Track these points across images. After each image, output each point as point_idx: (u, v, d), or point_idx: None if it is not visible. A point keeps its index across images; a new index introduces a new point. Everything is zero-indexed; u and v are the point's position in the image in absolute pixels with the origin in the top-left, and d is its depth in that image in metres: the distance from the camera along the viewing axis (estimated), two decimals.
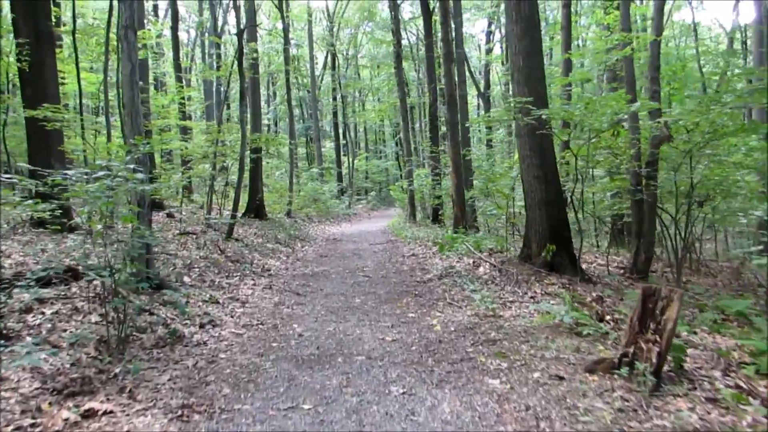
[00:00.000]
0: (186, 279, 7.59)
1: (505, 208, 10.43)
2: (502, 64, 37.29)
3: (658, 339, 3.69)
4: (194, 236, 11.50)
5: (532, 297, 6.77)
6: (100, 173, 5.16)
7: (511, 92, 8.80)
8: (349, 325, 5.91)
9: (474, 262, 9.24)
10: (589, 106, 6.92)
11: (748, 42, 28.82)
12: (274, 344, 5.28)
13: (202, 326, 5.78)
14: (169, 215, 16.32)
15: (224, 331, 5.69)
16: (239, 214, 18.39)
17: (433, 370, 4.32)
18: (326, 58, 41.18)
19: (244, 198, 20.44)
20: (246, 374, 4.42)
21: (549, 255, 7.84)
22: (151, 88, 23.70)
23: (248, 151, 19.08)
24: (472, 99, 44.38)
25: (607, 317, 5.37)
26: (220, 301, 6.98)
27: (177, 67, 22.28)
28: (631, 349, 3.76)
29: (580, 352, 4.40)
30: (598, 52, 11.62)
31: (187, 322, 5.84)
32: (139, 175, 5.45)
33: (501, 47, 34.99)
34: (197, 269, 8.30)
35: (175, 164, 18.55)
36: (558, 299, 6.56)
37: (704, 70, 23.65)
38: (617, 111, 6.99)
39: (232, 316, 6.31)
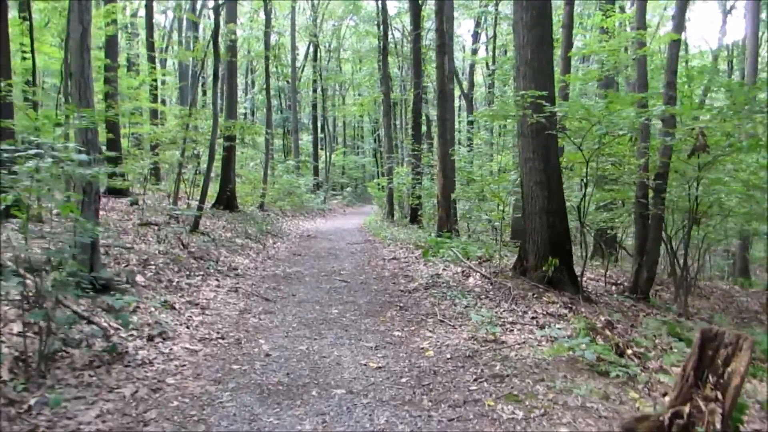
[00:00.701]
0: (139, 278, 6.63)
1: (499, 214, 9.69)
2: (487, 66, 36.76)
3: (719, 397, 2.93)
4: (156, 227, 10.48)
5: (533, 318, 6.01)
6: (32, 152, 4.23)
7: (510, 89, 8.02)
8: (326, 344, 5.05)
9: (463, 271, 8.45)
10: (612, 105, 6.18)
11: (734, 61, 28.86)
12: (235, 366, 4.40)
13: (150, 339, 4.86)
14: (134, 203, 15.22)
15: (177, 347, 4.78)
16: (208, 205, 17.36)
17: (430, 415, 3.50)
18: (308, 49, 40.08)
19: (214, 188, 19.39)
20: (197, 410, 3.53)
21: (551, 270, 7.10)
22: (124, 69, 22.41)
23: (221, 139, 18.04)
24: (456, 99, 43.78)
25: (628, 351, 4.62)
26: (177, 306, 6.06)
27: (150, 46, 21.03)
28: (687, 408, 3.00)
29: (609, 401, 3.63)
30: (600, 53, 10.93)
31: (134, 333, 4.91)
32: (81, 157, 4.50)
33: (486, 49, 34.42)
34: (154, 267, 7.34)
35: (143, 150, 17.38)
36: (563, 322, 5.81)
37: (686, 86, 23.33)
38: (640, 114, 6.29)
39: (188, 327, 5.39)
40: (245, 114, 41.70)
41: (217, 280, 7.85)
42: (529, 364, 4.34)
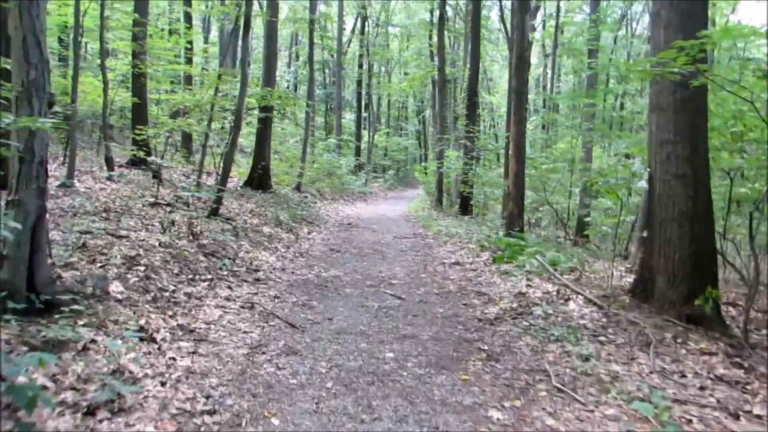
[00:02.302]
0: (116, 287, 4.70)
1: (617, 217, 7.45)
2: (543, 47, 33.87)
3: None
4: (168, 210, 8.64)
5: (702, 388, 3.83)
6: None
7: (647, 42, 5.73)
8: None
9: (558, 291, 6.28)
10: None
11: None
12: None
13: (90, 413, 2.91)
14: (156, 175, 13.52)
15: None
16: (239, 183, 15.54)
17: None
18: (355, 22, 37.88)
19: (248, 164, 17.60)
20: None
21: (708, 305, 4.88)
22: (158, 30, 20.71)
23: (256, 109, 16.15)
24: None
25: None
26: (159, 336, 4.11)
27: (188, 2, 19.18)
28: None
29: None
30: None
31: (67, 398, 2.97)
32: None
33: (544, 26, 31.59)
34: (144, 267, 5.42)
35: (165, 117, 15.62)
36: (747, 393, 3.63)
37: None
38: None
39: (163, 382, 3.41)
40: (288, 87, 39.87)
41: (229, 287, 5.90)
42: None
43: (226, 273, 6.32)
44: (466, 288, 6.67)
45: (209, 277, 5.97)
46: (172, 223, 7.23)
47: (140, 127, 12.75)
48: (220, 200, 8.91)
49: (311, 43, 19.68)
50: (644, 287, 5.82)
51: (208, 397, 3.29)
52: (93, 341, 3.64)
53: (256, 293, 5.84)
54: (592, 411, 3.36)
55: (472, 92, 19.05)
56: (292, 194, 16.85)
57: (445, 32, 31.82)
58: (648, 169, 5.75)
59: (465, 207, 18.72)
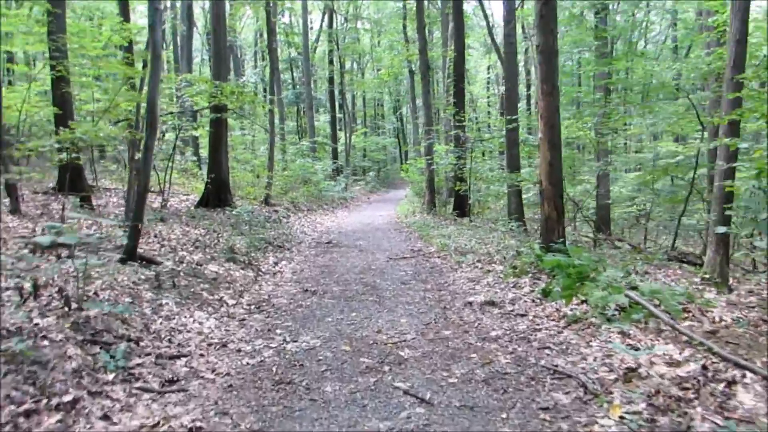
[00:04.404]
0: None
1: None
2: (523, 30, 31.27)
3: None
4: (62, 256, 5.85)
5: None
6: None
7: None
8: None
9: (705, 368, 3.60)
10: None
11: None
12: None
13: None
14: (85, 198, 10.72)
15: None
16: (192, 202, 12.76)
17: None
18: (323, 18, 35.06)
19: (199, 180, 14.84)
20: None
21: None
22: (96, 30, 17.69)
23: (208, 111, 13.34)
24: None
25: None
26: None
27: None
28: None
29: None
30: None
31: None
32: None
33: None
34: None
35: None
36: None
37: None
38: None
39: None
40: (255, 93, 36.85)
41: (106, 414, 3.15)
42: None
43: (113, 376, 3.57)
44: (526, 360, 3.98)
45: (71, 396, 3.21)
46: (35, 289, 4.40)
47: (62, 142, 9.92)
48: (136, 235, 6.12)
49: (268, 19, 16.83)
50: None
51: None
52: None
53: (157, 423, 3.10)
54: None
55: (459, 76, 16.44)
56: (260, 210, 14.06)
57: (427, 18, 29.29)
58: None
59: (461, 207, 16.12)
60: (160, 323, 4.64)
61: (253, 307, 5.70)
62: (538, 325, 4.73)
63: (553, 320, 4.79)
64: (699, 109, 12.43)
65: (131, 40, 17.46)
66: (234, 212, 10.55)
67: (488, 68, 45.77)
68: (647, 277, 7.34)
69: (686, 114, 11.11)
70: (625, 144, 19.07)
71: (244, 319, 5.20)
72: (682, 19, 21.51)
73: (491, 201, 18.36)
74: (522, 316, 4.99)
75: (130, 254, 6.08)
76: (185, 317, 4.95)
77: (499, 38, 18.55)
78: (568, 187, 13.48)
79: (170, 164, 12.45)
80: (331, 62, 32.76)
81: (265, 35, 34.61)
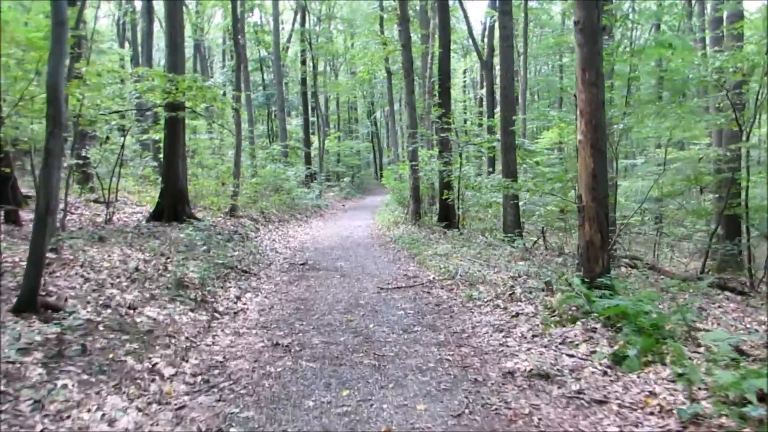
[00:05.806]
0: None
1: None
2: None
3: None
4: None
5: None
6: None
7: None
8: None
9: None
10: None
11: None
12: None
13: None
14: (10, 214, 8.93)
15: None
16: (143, 215, 10.92)
17: None
18: (295, 16, 33.23)
19: (156, 189, 13.00)
20: None
21: None
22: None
23: (163, 110, 11.51)
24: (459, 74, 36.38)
25: None
26: None
27: None
28: None
29: None
30: None
31: None
32: None
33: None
34: None
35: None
36: None
37: None
38: None
39: None
40: (224, 94, 34.75)
41: None
42: None
43: None
44: None
45: None
46: None
47: None
48: (36, 275, 4.33)
49: (234, 6, 15.05)
50: None
51: None
52: None
53: None
54: None
55: (444, 74, 14.90)
56: (224, 223, 12.25)
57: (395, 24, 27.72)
58: None
59: (448, 218, 14.55)
60: (40, 430, 2.91)
61: (199, 379, 3.98)
62: (628, 420, 3.12)
63: (650, 412, 3.19)
64: (699, 111, 11.15)
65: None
66: (189, 230, 8.74)
67: (464, 72, 44.59)
68: (704, 314, 5.86)
69: (716, 115, 9.75)
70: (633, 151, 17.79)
71: (182, 407, 3.48)
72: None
73: (480, 210, 16.84)
74: (600, 403, 3.37)
75: (27, 302, 4.31)
76: (89, 409, 3.22)
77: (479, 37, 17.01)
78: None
79: (117, 170, 10.59)
80: (303, 63, 30.98)
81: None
